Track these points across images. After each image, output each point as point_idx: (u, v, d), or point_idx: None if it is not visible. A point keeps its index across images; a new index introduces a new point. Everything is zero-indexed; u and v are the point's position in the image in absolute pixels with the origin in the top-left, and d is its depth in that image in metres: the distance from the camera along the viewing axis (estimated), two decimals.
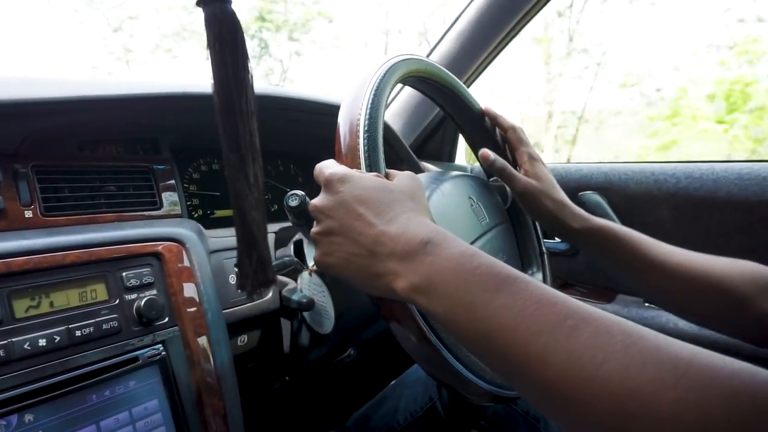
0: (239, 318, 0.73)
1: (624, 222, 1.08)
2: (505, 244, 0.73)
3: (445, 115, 0.80)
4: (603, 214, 1.09)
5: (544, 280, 0.83)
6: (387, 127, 1.07)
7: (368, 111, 0.52)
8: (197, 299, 0.63)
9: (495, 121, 0.76)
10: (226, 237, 0.77)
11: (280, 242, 0.83)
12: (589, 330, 0.33)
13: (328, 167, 0.49)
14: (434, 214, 0.55)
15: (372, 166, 0.51)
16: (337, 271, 0.48)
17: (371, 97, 0.53)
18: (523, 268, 0.83)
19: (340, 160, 0.52)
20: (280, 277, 0.82)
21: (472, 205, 0.68)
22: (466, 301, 0.38)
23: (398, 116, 1.28)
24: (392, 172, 0.52)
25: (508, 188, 0.78)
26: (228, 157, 0.42)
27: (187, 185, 0.87)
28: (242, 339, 0.76)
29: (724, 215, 0.97)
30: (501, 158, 0.71)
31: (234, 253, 0.75)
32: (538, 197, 0.70)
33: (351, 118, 0.52)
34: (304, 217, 0.66)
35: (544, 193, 0.70)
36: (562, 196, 0.72)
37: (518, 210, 0.83)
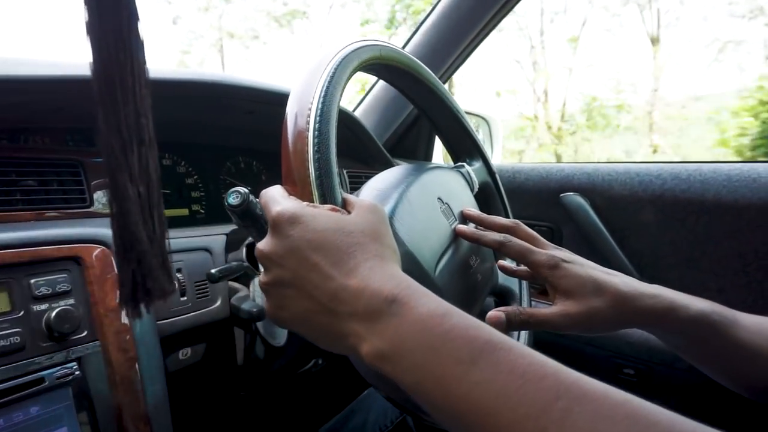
0: (180, 329, 0.65)
1: (607, 226, 1.02)
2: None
3: None
4: (585, 217, 1.03)
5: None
6: (358, 124, 1.00)
7: (318, 122, 0.44)
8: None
9: (478, 241, 0.60)
10: (175, 239, 0.69)
11: (232, 245, 0.76)
12: (585, 414, 0.27)
13: (274, 202, 0.42)
14: (403, 233, 0.50)
15: (326, 196, 0.43)
16: (293, 327, 0.41)
17: (320, 103, 0.45)
18: (497, 258, 0.77)
19: (288, 186, 0.45)
20: (232, 284, 0.75)
21: (441, 207, 0.61)
22: (437, 374, 0.32)
23: (371, 112, 1.21)
24: (350, 200, 0.44)
25: (472, 174, 0.72)
26: (106, 142, 0.34)
27: None
28: (185, 352, 0.69)
29: (712, 218, 0.92)
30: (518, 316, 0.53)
31: (180, 255, 0.68)
32: (588, 316, 0.51)
33: (298, 129, 0.44)
34: (249, 217, 0.59)
35: (591, 306, 0.51)
36: (618, 284, 0.52)
37: (488, 194, 0.77)
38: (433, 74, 0.66)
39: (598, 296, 0.51)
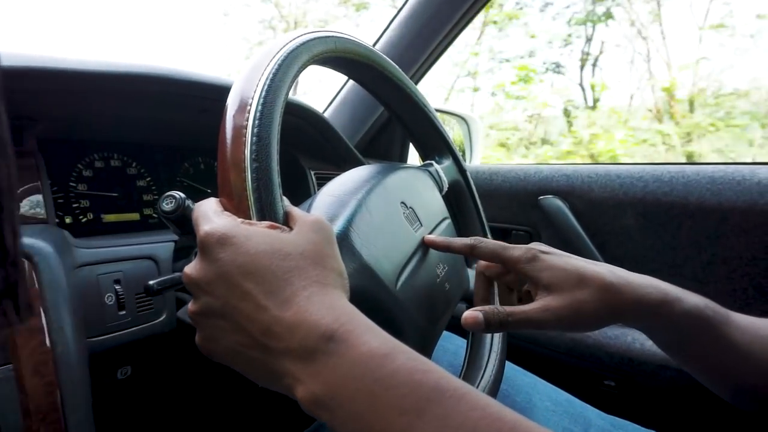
0: (116, 344, 0.59)
1: (587, 230, 0.98)
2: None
3: None
4: (564, 221, 0.98)
5: None
6: (324, 123, 0.95)
7: (257, 126, 0.39)
8: (44, 328, 0.49)
9: (448, 249, 0.55)
10: (114, 247, 0.63)
11: (182, 253, 0.70)
12: None
13: (205, 219, 0.37)
14: (359, 245, 0.45)
15: (265, 210, 0.38)
16: (225, 361, 0.36)
17: (260, 104, 0.39)
18: (468, 263, 0.72)
19: (224, 198, 0.39)
20: (181, 295, 0.69)
21: (404, 212, 0.56)
22: (377, 427, 0.28)
23: (342, 111, 1.16)
24: (294, 214, 0.39)
25: (441, 172, 0.67)
26: None
27: (74, 184, 0.73)
28: (124, 371, 0.63)
29: (696, 222, 0.88)
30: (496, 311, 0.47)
31: (118, 265, 0.62)
32: (573, 310, 0.45)
33: (234, 134, 0.39)
34: (187, 225, 0.53)
35: (575, 299, 0.46)
36: (604, 274, 0.46)
37: (458, 192, 0.72)
38: (397, 67, 0.61)
39: (583, 288, 0.45)
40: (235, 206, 0.38)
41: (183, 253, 0.70)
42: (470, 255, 0.53)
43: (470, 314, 0.46)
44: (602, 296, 0.45)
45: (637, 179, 0.93)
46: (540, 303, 0.46)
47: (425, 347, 0.55)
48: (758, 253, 0.83)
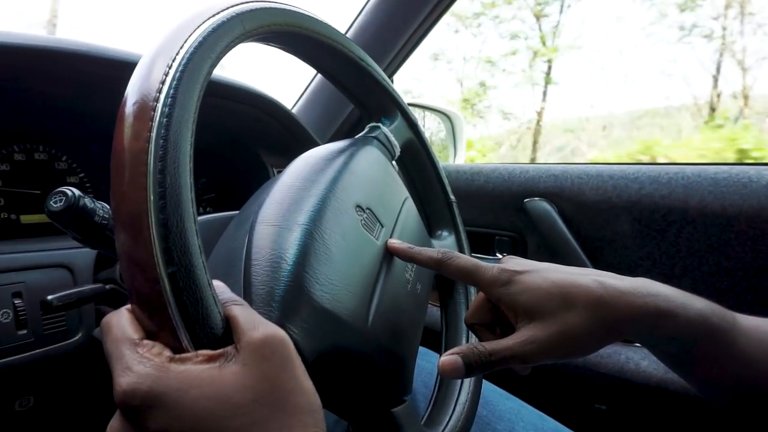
0: (13, 370, 0.50)
1: (577, 236, 0.89)
2: (411, 240, 0.51)
3: None
4: (551, 226, 0.89)
5: (458, 241, 0.64)
6: (290, 118, 0.85)
7: (161, 168, 0.27)
8: None
9: (412, 260, 0.47)
10: (17, 253, 0.54)
11: (106, 261, 0.60)
12: None
13: (117, 360, 0.27)
14: (318, 290, 0.36)
15: (197, 327, 0.27)
16: None
17: (163, 129, 0.28)
18: (431, 232, 0.64)
19: (135, 306, 0.28)
20: (102, 308, 0.59)
21: (361, 219, 0.46)
22: None
23: (312, 107, 1.06)
24: (237, 321, 0.29)
25: (389, 135, 0.57)
26: None
27: None
28: (24, 401, 0.53)
29: (697, 228, 0.79)
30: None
31: (19, 274, 0.52)
32: (562, 338, 0.38)
33: (130, 179, 0.27)
34: (83, 227, 0.44)
35: (563, 324, 0.38)
36: (591, 288, 0.39)
37: (412, 155, 0.62)
38: (321, 20, 0.50)
39: (569, 308, 0.38)
40: (155, 323, 0.27)
41: (107, 261, 0.60)
42: (437, 269, 0.45)
43: (447, 360, 0.38)
44: (593, 314, 0.37)
45: (632, 180, 0.84)
46: (524, 334, 0.38)
47: (406, 379, 0.47)
48: (766, 263, 0.75)
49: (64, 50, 0.57)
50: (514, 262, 0.43)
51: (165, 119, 0.28)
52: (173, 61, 0.31)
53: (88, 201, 0.42)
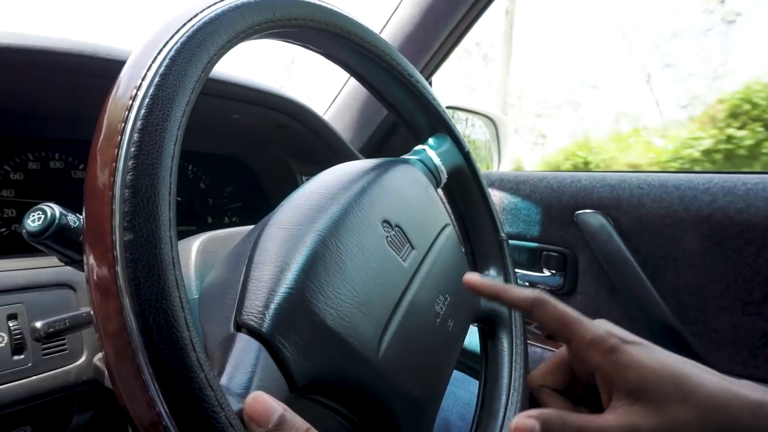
0: (9, 402, 0.46)
1: (636, 254, 0.79)
2: (447, 271, 0.45)
3: None
4: (606, 242, 0.80)
5: (506, 278, 0.57)
6: (320, 123, 0.80)
7: (130, 204, 0.24)
8: None
9: (497, 298, 0.39)
10: (14, 270, 0.50)
11: None
12: None
13: None
14: (324, 304, 0.32)
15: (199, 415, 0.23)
16: None
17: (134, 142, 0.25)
18: (476, 268, 0.58)
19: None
20: None
21: (388, 236, 0.40)
22: None
23: (344, 112, 1.00)
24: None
25: (436, 159, 0.52)
26: None
27: None
28: (22, 431, 0.49)
29: None
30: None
31: (16, 295, 0.49)
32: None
33: (95, 213, 0.25)
34: (66, 247, 0.39)
35: (673, 418, 0.32)
36: (707, 385, 0.33)
37: (460, 183, 0.57)
38: (367, 28, 0.45)
39: (683, 401, 0.32)
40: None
41: None
42: (528, 312, 0.38)
43: (522, 424, 0.33)
44: (706, 417, 0.32)
45: (702, 191, 0.74)
46: (623, 418, 0.33)
47: (424, 428, 0.40)
48: None
49: (84, 53, 0.54)
50: (618, 329, 0.36)
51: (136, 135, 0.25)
52: (166, 46, 0.29)
53: (72, 218, 0.38)
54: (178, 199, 0.79)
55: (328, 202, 0.38)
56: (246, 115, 0.74)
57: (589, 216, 0.82)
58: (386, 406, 0.35)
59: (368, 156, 1.02)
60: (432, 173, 0.51)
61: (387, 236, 0.40)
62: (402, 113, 0.54)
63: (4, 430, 0.48)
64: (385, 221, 0.41)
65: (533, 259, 0.91)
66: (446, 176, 0.52)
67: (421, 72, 0.93)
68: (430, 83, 1.01)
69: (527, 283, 0.91)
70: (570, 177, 0.86)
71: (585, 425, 0.33)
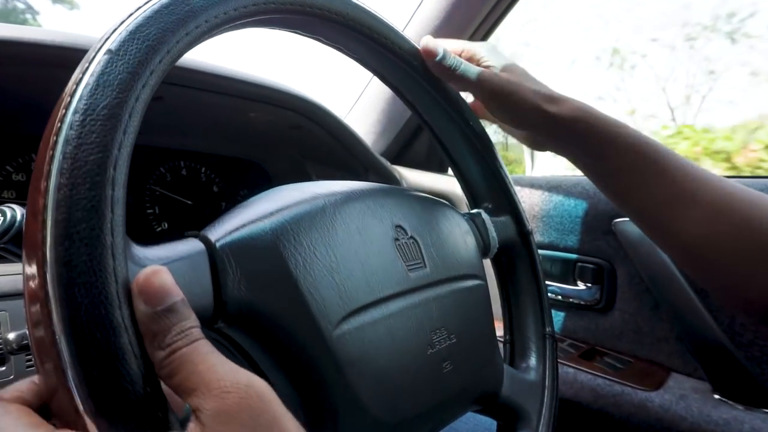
0: None
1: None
2: (462, 314, 0.40)
3: None
4: (649, 253, 0.72)
5: (546, 378, 0.49)
6: (337, 124, 0.76)
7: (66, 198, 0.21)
8: None
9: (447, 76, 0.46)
10: (13, 275, 0.48)
11: None
12: None
13: None
14: (300, 260, 0.30)
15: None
16: None
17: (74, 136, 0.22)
18: (513, 361, 0.50)
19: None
20: None
21: (398, 240, 0.37)
22: None
23: (367, 113, 0.96)
24: (201, 385, 0.21)
25: (490, 226, 0.47)
26: None
27: None
28: None
29: None
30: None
31: (10, 302, 0.46)
32: (516, 90, 0.45)
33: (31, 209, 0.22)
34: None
35: (522, 85, 0.45)
36: (542, 86, 0.47)
37: (511, 260, 0.51)
38: (408, 40, 0.43)
39: (533, 82, 0.48)
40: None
41: None
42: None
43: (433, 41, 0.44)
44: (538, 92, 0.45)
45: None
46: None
47: None
48: None
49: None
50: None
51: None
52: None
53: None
54: (189, 202, 0.76)
55: (347, 187, 0.37)
56: (259, 115, 0.70)
57: (629, 225, 0.74)
58: (327, 401, 0.30)
59: (391, 158, 0.97)
60: (482, 237, 0.46)
61: (397, 239, 0.37)
62: (463, 171, 0.51)
63: None
64: (400, 226, 0.38)
65: (566, 271, 0.84)
66: (497, 248, 0.47)
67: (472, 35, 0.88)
68: None
69: (559, 297, 0.84)
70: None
71: (471, 68, 0.45)
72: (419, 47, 0.44)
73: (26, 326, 0.22)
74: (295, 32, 0.39)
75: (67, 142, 0.22)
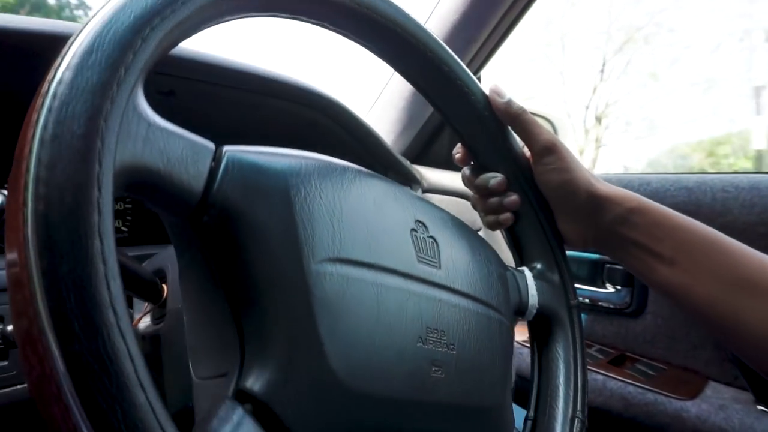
0: None
1: None
2: (471, 334, 0.36)
3: None
4: None
5: (572, 380, 0.44)
6: (353, 121, 0.74)
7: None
8: None
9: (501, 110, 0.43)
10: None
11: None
12: None
13: None
14: (300, 205, 0.28)
15: None
16: None
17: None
18: (542, 389, 0.45)
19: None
20: None
21: (415, 232, 0.35)
22: None
23: (388, 110, 0.94)
24: None
25: (531, 286, 0.43)
26: None
27: None
28: None
29: None
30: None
31: (4, 296, 0.45)
32: (571, 156, 0.43)
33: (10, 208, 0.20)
34: None
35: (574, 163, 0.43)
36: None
37: (545, 329, 0.46)
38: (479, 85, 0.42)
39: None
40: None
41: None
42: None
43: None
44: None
45: None
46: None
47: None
48: None
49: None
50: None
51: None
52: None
53: None
54: None
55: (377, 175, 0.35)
56: (274, 112, 0.69)
57: None
58: (288, 320, 0.27)
59: (412, 157, 0.95)
60: (519, 294, 0.42)
61: (414, 230, 0.35)
62: (514, 227, 0.47)
63: None
64: (420, 221, 0.36)
65: (594, 273, 0.80)
66: (533, 314, 0.43)
67: (468, 65, 0.86)
68: (479, 78, 0.94)
69: (587, 301, 0.80)
70: (638, 179, 0.75)
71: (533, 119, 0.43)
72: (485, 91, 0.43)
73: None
74: (349, 36, 0.38)
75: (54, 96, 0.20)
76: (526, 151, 0.45)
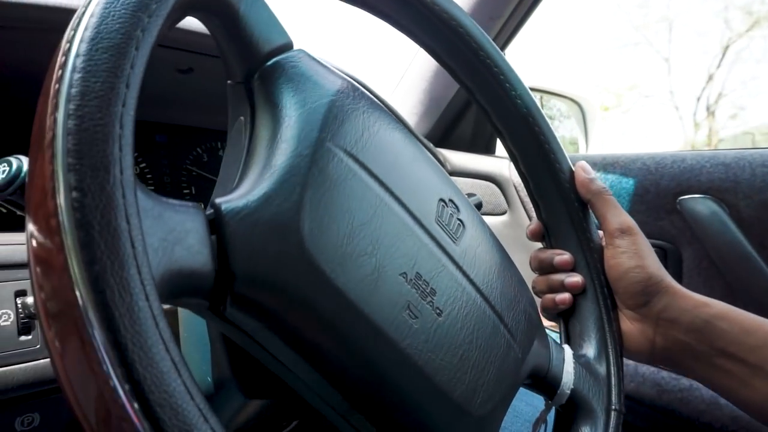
0: (14, 383, 0.42)
1: (761, 249, 0.64)
2: (468, 326, 0.32)
3: None
4: (721, 234, 0.65)
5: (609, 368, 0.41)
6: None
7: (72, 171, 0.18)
8: None
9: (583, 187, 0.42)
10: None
11: None
12: None
13: None
14: (346, 139, 0.28)
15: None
16: None
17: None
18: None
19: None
20: None
21: (444, 203, 0.33)
22: None
23: (411, 91, 0.92)
24: None
25: (569, 367, 0.39)
26: None
27: None
28: (28, 419, 0.45)
29: None
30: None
31: (25, 271, 0.45)
32: (646, 244, 0.41)
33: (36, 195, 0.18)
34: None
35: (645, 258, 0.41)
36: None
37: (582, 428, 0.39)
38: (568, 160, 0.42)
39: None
40: None
41: None
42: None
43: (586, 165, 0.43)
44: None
45: None
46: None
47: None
48: None
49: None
50: None
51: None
52: None
53: None
54: None
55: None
56: None
57: (697, 202, 0.67)
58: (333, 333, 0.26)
59: (436, 140, 0.93)
60: (549, 362, 0.38)
61: (442, 201, 0.33)
62: (571, 315, 0.44)
63: (9, 417, 0.44)
64: (452, 200, 0.34)
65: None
66: (567, 397, 0.38)
67: (495, 39, 0.83)
68: (505, 54, 0.91)
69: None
70: (671, 156, 0.72)
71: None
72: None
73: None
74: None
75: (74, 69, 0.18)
76: (601, 233, 0.43)
